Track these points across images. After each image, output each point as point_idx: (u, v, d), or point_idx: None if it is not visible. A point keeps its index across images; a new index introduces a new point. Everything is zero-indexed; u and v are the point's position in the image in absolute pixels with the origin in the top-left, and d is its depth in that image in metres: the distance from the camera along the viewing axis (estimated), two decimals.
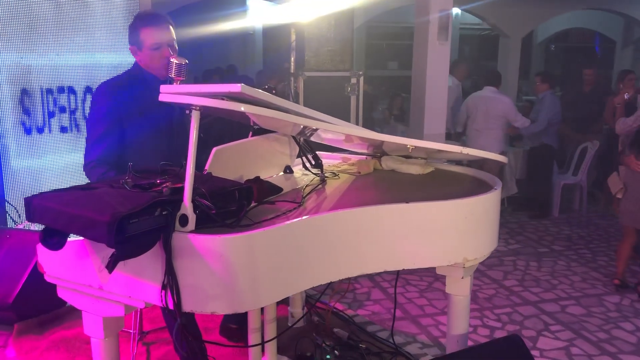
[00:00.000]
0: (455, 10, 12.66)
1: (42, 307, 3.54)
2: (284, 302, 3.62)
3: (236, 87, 1.60)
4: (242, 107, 1.73)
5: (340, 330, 3.27)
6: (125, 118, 2.54)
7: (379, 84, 11.98)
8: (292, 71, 4.79)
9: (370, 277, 4.68)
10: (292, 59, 4.78)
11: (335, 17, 4.65)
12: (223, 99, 1.67)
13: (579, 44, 15.40)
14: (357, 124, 4.84)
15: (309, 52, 4.65)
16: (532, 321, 4.04)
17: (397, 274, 2.85)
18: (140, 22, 2.60)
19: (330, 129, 2.03)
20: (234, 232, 1.72)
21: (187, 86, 1.79)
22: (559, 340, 3.78)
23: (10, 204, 4.28)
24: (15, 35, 4.27)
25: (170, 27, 2.63)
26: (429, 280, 4.68)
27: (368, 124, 7.91)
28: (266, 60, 11.53)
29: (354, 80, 4.77)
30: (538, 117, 6.62)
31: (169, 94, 1.74)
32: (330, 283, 2.96)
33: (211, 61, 9.92)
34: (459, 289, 2.29)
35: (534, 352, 3.57)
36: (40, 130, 4.31)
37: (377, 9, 10.28)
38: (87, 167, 2.55)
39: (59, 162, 4.31)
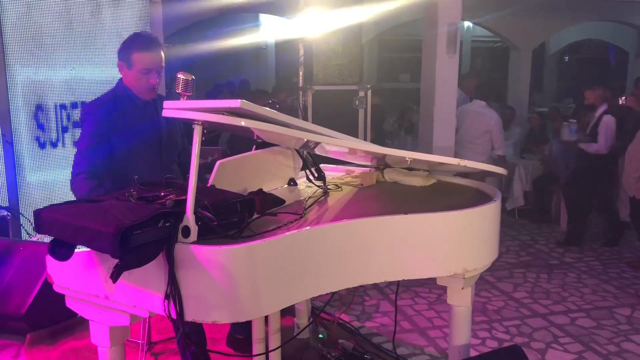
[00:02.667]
0: (467, 23, 12.72)
1: (53, 317, 3.61)
2: (290, 314, 3.66)
3: (235, 103, 1.65)
4: (243, 122, 1.78)
5: (345, 342, 3.29)
6: (113, 133, 2.64)
7: (391, 97, 12.04)
8: (300, 85, 4.85)
9: (379, 289, 4.70)
10: (301, 73, 4.84)
11: (344, 32, 4.71)
12: (223, 114, 1.72)
13: (592, 55, 15.34)
14: (365, 136, 4.88)
15: (317, 66, 4.71)
16: (541, 333, 4.02)
17: (398, 284, 2.87)
18: (135, 44, 2.69)
19: (329, 142, 2.08)
20: (235, 243, 1.76)
21: (189, 102, 1.85)
22: (568, 352, 3.76)
23: (24, 216, 4.38)
24: (29, 52, 4.40)
25: (162, 52, 2.73)
26: (438, 292, 4.68)
27: (379, 137, 7.95)
28: (278, 75, 11.64)
29: (362, 94, 4.81)
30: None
31: (172, 109, 1.80)
32: (334, 294, 3.00)
33: (224, 76, 10.05)
34: (460, 300, 2.31)
35: None
36: (54, 145, 4.42)
37: (388, 22, 10.36)
38: (76, 179, 2.62)
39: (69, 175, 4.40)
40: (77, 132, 4.47)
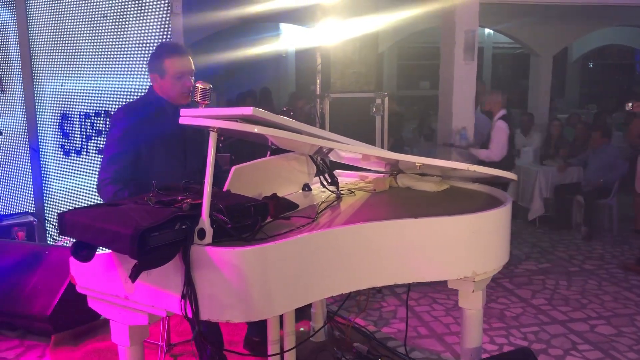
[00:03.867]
0: (488, 30, 12.69)
1: (77, 319, 3.71)
2: (307, 317, 3.71)
3: (248, 110, 1.72)
4: (256, 129, 1.85)
5: (360, 345, 3.33)
6: (141, 140, 2.70)
7: (411, 104, 12.06)
8: (318, 93, 4.92)
9: (397, 295, 4.72)
10: (318, 81, 4.91)
11: (360, 40, 4.78)
12: (237, 121, 1.79)
13: (616, 61, 15.16)
14: (382, 143, 4.92)
15: (334, 74, 4.78)
16: (560, 340, 4.00)
17: (408, 287, 2.91)
18: (165, 52, 2.77)
19: (338, 148, 2.13)
20: (247, 245, 1.83)
21: (204, 110, 1.93)
22: None
23: (50, 222, 4.51)
24: (56, 63, 4.55)
25: (190, 57, 2.80)
26: (456, 299, 4.64)
27: (398, 144, 7.98)
28: (298, 82, 11.75)
29: (379, 101, 4.86)
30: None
31: (188, 117, 1.88)
32: (348, 298, 3.04)
33: (246, 84, 10.19)
34: (471, 303, 2.34)
35: None
36: (78, 153, 4.56)
37: (407, 30, 10.41)
38: (102, 184, 2.69)
39: (95, 182, 4.54)
40: (101, 141, 4.61)
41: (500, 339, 4.00)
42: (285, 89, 11.66)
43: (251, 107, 1.73)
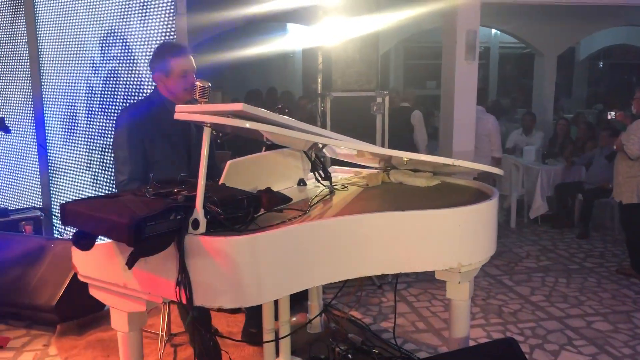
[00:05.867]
0: (494, 30, 12.71)
1: (81, 310, 3.84)
2: (303, 310, 3.80)
3: (238, 106, 1.81)
4: (248, 124, 1.93)
5: (354, 336, 3.41)
6: (146, 139, 2.79)
7: (417, 103, 12.05)
8: (319, 92, 4.99)
9: (397, 291, 4.78)
10: (319, 80, 4.98)
11: (361, 40, 4.84)
12: (228, 117, 1.88)
13: (625, 60, 15.10)
14: (382, 142, 4.99)
15: (336, 73, 4.84)
16: (556, 335, 4.05)
17: (397, 278, 2.96)
18: (169, 52, 2.86)
19: (327, 143, 2.22)
20: (239, 235, 1.91)
21: (199, 106, 2.02)
22: (581, 355, 3.78)
23: (56, 216, 4.64)
24: (63, 61, 4.67)
25: (191, 56, 2.90)
26: None
27: (404, 142, 8.04)
28: (305, 81, 11.84)
29: (379, 100, 4.92)
30: None
31: (183, 112, 1.97)
32: (343, 289, 3.11)
33: (254, 83, 10.28)
34: (458, 294, 2.41)
35: None
36: (83, 149, 4.68)
37: (411, 29, 10.45)
38: (121, 187, 2.77)
39: (100, 178, 4.68)
40: (105, 138, 4.72)
41: (497, 334, 4.05)
42: (292, 88, 11.74)
43: (241, 103, 1.81)
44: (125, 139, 2.79)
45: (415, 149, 6.76)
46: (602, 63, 15.50)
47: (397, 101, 6.73)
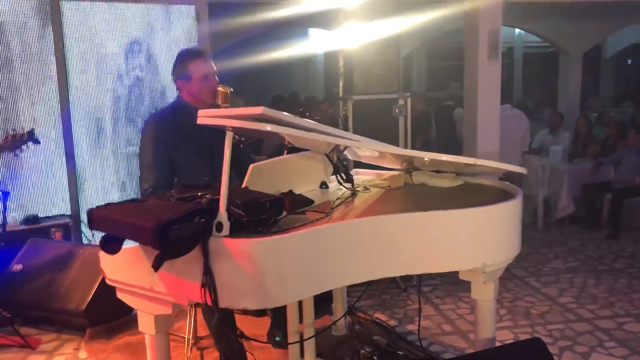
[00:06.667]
0: (518, 30, 12.58)
1: (110, 314, 3.90)
2: (328, 313, 3.80)
3: (258, 110, 1.83)
4: (269, 127, 1.96)
5: (379, 338, 3.41)
6: (171, 146, 2.83)
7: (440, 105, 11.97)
8: (340, 95, 5.00)
9: (422, 293, 4.76)
10: (341, 83, 4.99)
11: (382, 42, 4.83)
12: (249, 120, 1.90)
13: None
14: (405, 144, 4.97)
15: (357, 76, 4.83)
16: (586, 337, 3.98)
17: (420, 278, 2.94)
18: (188, 57, 2.92)
19: (348, 144, 2.23)
20: (262, 237, 1.93)
21: (220, 110, 2.05)
22: (613, 356, 3.71)
23: (84, 223, 4.73)
24: (89, 69, 4.78)
25: (210, 60, 2.94)
26: None
27: (426, 144, 8.03)
28: (327, 85, 11.89)
29: (401, 102, 4.91)
30: None
31: (205, 117, 2.00)
32: (366, 291, 3.10)
33: (277, 89, 10.37)
34: (483, 294, 2.39)
35: None
36: (110, 158, 4.77)
37: (435, 30, 10.41)
38: (145, 194, 2.81)
39: (127, 185, 4.77)
40: (131, 146, 4.82)
41: (525, 335, 4.00)
42: (315, 91, 11.79)
43: (262, 107, 1.84)
44: (150, 146, 2.84)
45: (459, 145, 6.81)
46: (630, 60, 15.20)
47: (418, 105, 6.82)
